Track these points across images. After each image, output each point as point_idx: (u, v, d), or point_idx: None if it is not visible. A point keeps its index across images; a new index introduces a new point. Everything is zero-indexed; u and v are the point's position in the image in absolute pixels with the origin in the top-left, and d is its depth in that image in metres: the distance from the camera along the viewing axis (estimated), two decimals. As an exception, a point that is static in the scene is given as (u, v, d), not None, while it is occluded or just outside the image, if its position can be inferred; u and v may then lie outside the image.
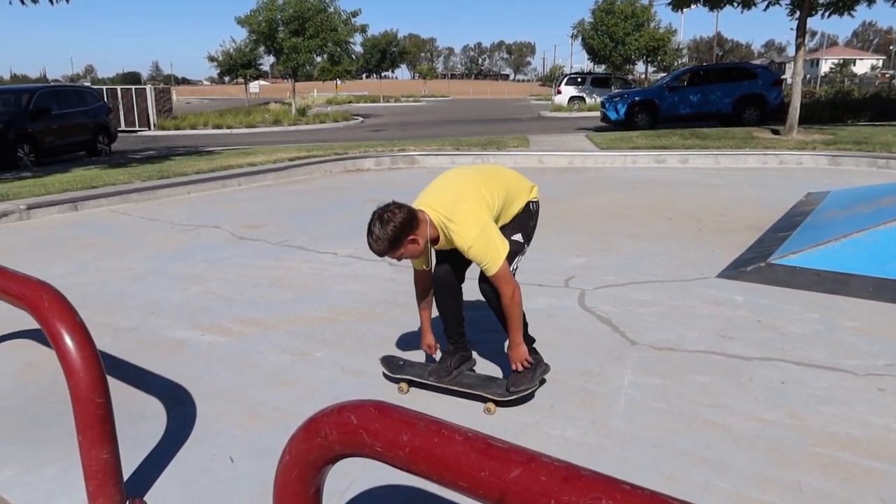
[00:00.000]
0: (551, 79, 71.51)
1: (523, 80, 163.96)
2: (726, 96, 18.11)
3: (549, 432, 2.78)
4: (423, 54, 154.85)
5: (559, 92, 31.97)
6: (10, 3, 11.84)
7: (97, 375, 2.12)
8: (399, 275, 5.09)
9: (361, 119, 31.93)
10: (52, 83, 26.53)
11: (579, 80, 32.45)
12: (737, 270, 4.97)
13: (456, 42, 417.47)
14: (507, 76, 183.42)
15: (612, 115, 19.00)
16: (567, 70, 60.13)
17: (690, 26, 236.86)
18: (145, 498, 2.37)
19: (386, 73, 60.47)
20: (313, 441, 1.42)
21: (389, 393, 3.15)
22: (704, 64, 30.90)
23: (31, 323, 4.00)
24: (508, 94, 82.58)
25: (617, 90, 26.40)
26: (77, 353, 2.11)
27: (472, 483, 1.23)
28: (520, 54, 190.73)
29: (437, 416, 1.36)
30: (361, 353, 3.63)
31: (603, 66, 35.21)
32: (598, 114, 22.18)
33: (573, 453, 2.61)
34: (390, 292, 4.68)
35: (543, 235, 6.22)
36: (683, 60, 41.40)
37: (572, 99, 31.10)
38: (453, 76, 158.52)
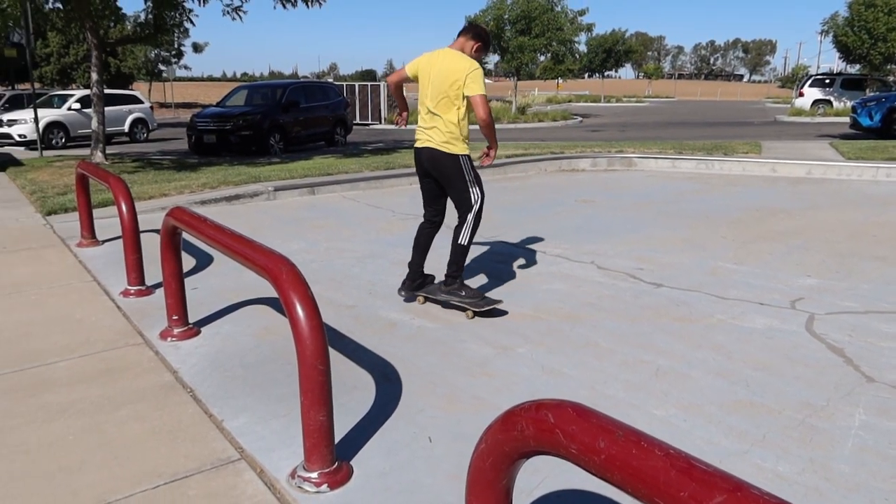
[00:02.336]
0: (793, 80, 65.22)
1: (759, 82, 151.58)
2: None
3: (760, 464, 2.55)
4: (649, 53, 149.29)
5: (801, 94, 29.10)
6: (274, 7, 13.39)
7: (321, 345, 2.33)
8: (606, 279, 4.98)
9: (580, 119, 31.64)
10: (302, 79, 29.55)
11: (827, 81, 29.23)
12: None
13: (687, 40, 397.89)
14: (741, 77, 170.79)
15: (865, 122, 16.90)
16: (813, 70, 54.48)
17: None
18: (351, 462, 2.56)
19: (609, 72, 59.17)
20: (510, 433, 1.44)
21: (587, 396, 3.10)
22: None
23: (270, 291, 4.51)
24: (741, 97, 76.99)
25: (873, 93, 23.39)
26: (306, 322, 2.34)
27: (670, 502, 1.17)
28: (758, 53, 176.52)
29: (635, 427, 1.31)
30: (562, 353, 3.61)
31: (857, 67, 31.44)
32: (846, 119, 19.85)
33: (785, 492, 2.37)
34: (596, 296, 4.59)
35: (769, 250, 5.72)
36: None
37: (816, 102, 28.15)
38: (680, 76, 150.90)
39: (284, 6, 13.15)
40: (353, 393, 3.17)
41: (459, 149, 4.08)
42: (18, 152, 16.42)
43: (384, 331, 3.99)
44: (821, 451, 2.64)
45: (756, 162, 11.04)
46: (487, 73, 49.14)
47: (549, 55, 31.25)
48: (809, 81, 29.78)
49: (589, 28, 30.71)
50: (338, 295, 4.67)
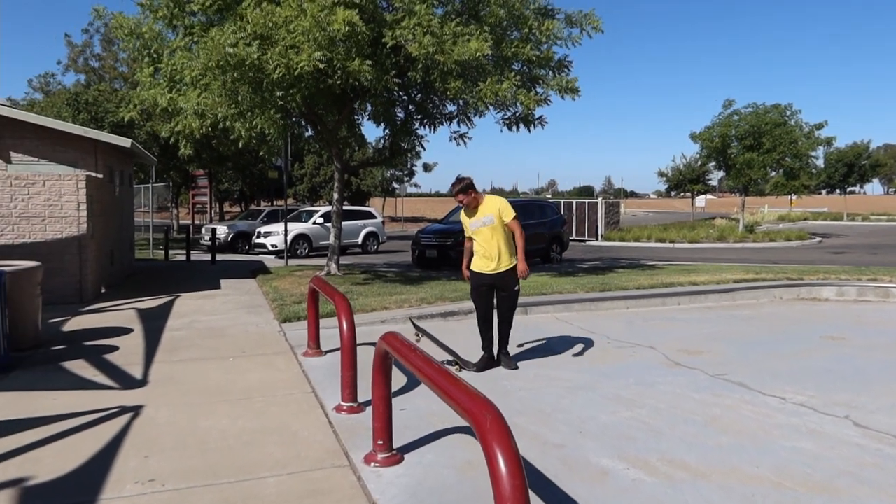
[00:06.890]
0: None
1: None
2: None
3: None
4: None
5: None
6: (501, 131, 14.08)
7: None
8: (868, 441, 4.13)
9: (819, 239, 28.82)
10: (521, 197, 30.67)
11: None
12: None
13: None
14: None
15: None
16: None
17: None
18: None
19: (852, 188, 53.87)
20: None
21: None
22: None
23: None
24: None
25: None
26: (508, 480, 2.10)
27: None
28: None
29: None
30: (814, 537, 2.95)
31: None
32: None
33: None
34: (856, 462, 3.79)
35: None
36: None
37: None
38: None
39: (510, 129, 13.75)
40: (556, 557, 2.81)
41: None
42: (269, 260, 18.60)
43: (595, 480, 3.59)
44: None
45: None
46: (710, 190, 47.22)
47: (780, 170, 29.30)
48: None
49: (828, 141, 28.45)
50: (544, 430, 4.37)
